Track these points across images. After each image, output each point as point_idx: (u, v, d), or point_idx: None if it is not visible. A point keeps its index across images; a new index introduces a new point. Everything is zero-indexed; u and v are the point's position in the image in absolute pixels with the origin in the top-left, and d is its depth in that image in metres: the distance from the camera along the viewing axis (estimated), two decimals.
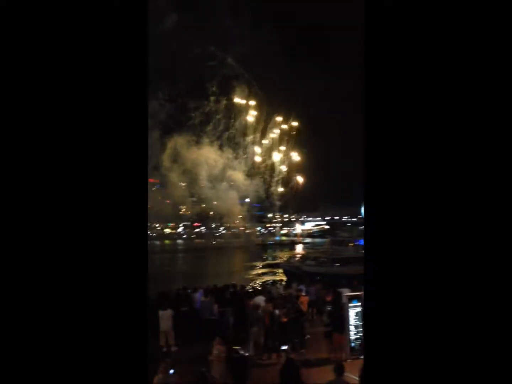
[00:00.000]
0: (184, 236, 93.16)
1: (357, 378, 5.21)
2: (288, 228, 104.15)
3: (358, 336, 9.10)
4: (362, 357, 8.67)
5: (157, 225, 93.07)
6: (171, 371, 5.67)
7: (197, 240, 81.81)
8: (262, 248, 68.93)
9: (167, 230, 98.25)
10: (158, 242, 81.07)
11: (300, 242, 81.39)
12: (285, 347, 6.50)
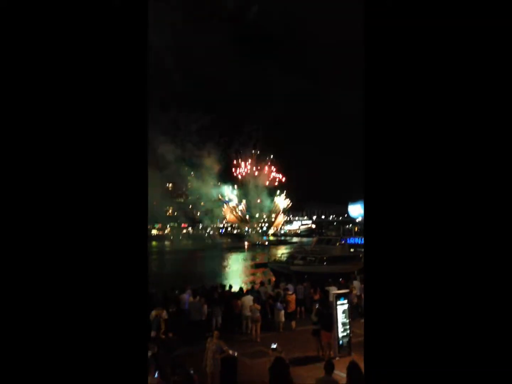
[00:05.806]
0: (171, 238, 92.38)
1: (345, 376, 5.25)
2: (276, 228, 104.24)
3: (346, 334, 9.21)
4: (351, 354, 8.79)
5: None
6: (156, 375, 5.60)
7: (184, 242, 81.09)
8: (250, 248, 68.96)
9: (154, 232, 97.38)
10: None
11: (287, 242, 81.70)
12: (274, 346, 6.50)
